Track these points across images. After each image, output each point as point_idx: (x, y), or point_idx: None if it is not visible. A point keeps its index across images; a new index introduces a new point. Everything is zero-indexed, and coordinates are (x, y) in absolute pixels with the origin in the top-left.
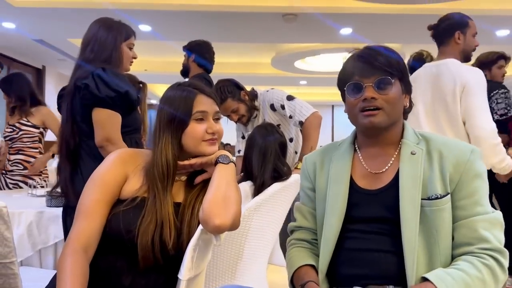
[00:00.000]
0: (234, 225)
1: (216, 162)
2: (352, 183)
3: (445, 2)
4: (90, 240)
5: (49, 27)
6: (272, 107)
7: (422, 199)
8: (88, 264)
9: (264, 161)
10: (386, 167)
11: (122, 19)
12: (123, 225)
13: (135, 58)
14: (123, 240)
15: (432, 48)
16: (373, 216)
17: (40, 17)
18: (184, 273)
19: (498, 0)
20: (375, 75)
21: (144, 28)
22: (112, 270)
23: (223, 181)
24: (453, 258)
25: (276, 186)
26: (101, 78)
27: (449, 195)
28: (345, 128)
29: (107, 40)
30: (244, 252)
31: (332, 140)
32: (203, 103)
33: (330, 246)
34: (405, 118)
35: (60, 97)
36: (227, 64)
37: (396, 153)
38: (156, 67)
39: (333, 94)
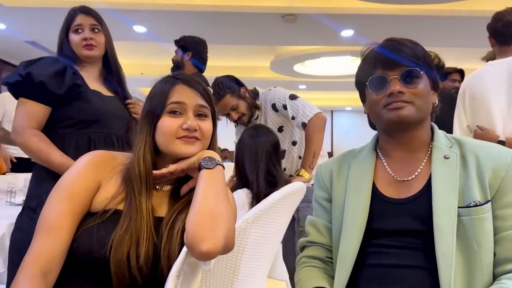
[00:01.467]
0: (226, 248)
1: (199, 168)
2: (375, 191)
3: (453, 2)
4: (52, 262)
5: (42, 28)
6: (274, 107)
7: (459, 207)
8: None
9: (256, 163)
10: (416, 173)
11: (115, 20)
12: (95, 240)
13: (86, 38)
14: (93, 257)
15: (437, 51)
16: (401, 228)
17: (32, 18)
18: None
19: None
20: (401, 67)
21: (139, 29)
22: None
23: (209, 192)
24: (495, 277)
25: (276, 195)
26: (20, 66)
27: (489, 203)
28: (344, 134)
29: (59, 37)
30: (240, 268)
31: (331, 147)
32: (181, 94)
33: (348, 264)
34: (432, 119)
35: None
36: (224, 67)
37: (427, 157)
38: (153, 70)
39: (333, 99)
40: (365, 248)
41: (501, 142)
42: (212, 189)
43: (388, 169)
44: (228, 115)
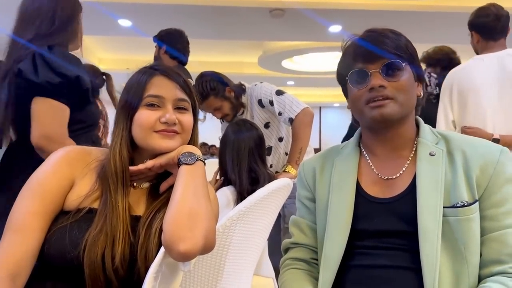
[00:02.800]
0: (206, 248)
1: (179, 164)
2: (359, 190)
3: None
4: (21, 264)
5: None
6: (260, 103)
7: (445, 207)
8: None
9: (238, 160)
10: (401, 171)
11: (100, 13)
12: (67, 241)
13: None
14: (66, 259)
15: (425, 47)
16: (386, 229)
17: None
18: None
19: None
20: (382, 60)
21: (124, 23)
22: None
23: (188, 190)
24: (481, 279)
25: (262, 191)
26: (43, 59)
27: (477, 203)
28: (332, 131)
29: (67, 9)
30: (225, 266)
31: (320, 144)
32: (159, 86)
33: (333, 265)
34: (417, 113)
35: None
36: (211, 63)
37: (412, 154)
38: (138, 65)
39: (321, 95)
40: (351, 249)
41: (496, 140)
42: (192, 186)
43: (372, 167)
44: (213, 113)
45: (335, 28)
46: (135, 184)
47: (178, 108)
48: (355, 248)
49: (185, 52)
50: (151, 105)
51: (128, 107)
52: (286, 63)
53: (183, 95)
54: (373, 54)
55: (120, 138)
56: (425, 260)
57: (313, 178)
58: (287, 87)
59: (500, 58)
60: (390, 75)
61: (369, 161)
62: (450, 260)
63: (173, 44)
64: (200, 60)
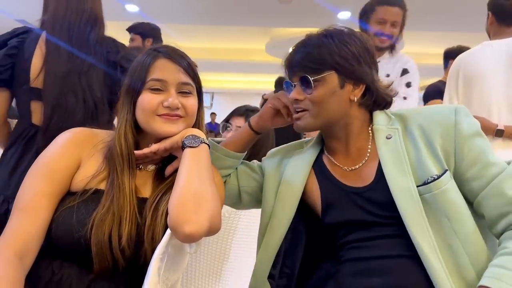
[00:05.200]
0: (211, 230)
1: (183, 147)
2: (332, 180)
3: None
4: (29, 244)
5: (32, 6)
6: (404, 72)
7: (418, 185)
8: (24, 277)
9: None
10: (363, 161)
11: None
12: (75, 220)
13: None
14: (73, 238)
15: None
16: (363, 219)
17: None
18: None
19: None
20: (298, 74)
21: (131, 8)
22: (57, 282)
23: (193, 173)
24: (496, 237)
25: None
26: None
27: (447, 172)
28: None
29: None
30: (231, 251)
31: None
32: (162, 70)
33: (272, 250)
34: (386, 107)
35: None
36: (218, 49)
37: (370, 143)
38: None
39: None
40: (343, 245)
41: (500, 131)
42: (196, 169)
43: (335, 162)
44: (382, 27)
45: (344, 15)
46: (141, 166)
47: (182, 92)
48: (346, 244)
49: (149, 36)
50: (154, 89)
51: (132, 91)
52: None
53: (187, 79)
54: (293, 67)
55: (125, 121)
56: (421, 243)
57: (272, 166)
58: None
59: (509, 45)
60: (304, 88)
61: (330, 158)
62: (438, 236)
63: (157, 38)
64: (207, 47)
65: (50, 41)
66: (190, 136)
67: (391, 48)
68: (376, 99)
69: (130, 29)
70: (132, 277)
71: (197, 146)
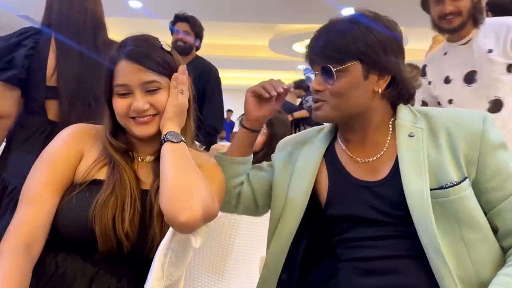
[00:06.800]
0: (207, 216)
1: (164, 140)
2: (342, 171)
3: None
4: (36, 233)
5: (35, 2)
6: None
7: (434, 189)
8: (32, 266)
9: None
10: (379, 155)
11: None
12: (78, 205)
13: None
14: (77, 223)
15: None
16: (369, 217)
17: None
18: (152, 284)
19: None
20: (319, 63)
21: (134, 4)
22: (61, 274)
23: (177, 163)
24: (505, 251)
25: None
26: None
27: (467, 180)
28: None
29: None
30: (234, 247)
31: None
32: (123, 74)
33: (286, 240)
34: (408, 102)
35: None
36: (221, 46)
37: (389, 137)
38: None
39: None
40: (341, 241)
41: None
42: (178, 160)
43: (349, 153)
44: (441, 7)
45: (348, 11)
46: (140, 158)
47: (149, 91)
48: (347, 241)
49: (201, 37)
50: (121, 94)
51: (105, 95)
52: (297, 47)
53: (150, 76)
54: (314, 56)
55: (108, 123)
56: (429, 246)
57: (283, 158)
58: (298, 71)
59: None
60: (325, 78)
61: (344, 148)
62: (446, 240)
63: (201, 37)
64: (210, 43)
65: (60, 41)
66: (172, 132)
67: (474, 20)
68: (401, 91)
69: (189, 24)
70: (136, 271)
71: (178, 142)
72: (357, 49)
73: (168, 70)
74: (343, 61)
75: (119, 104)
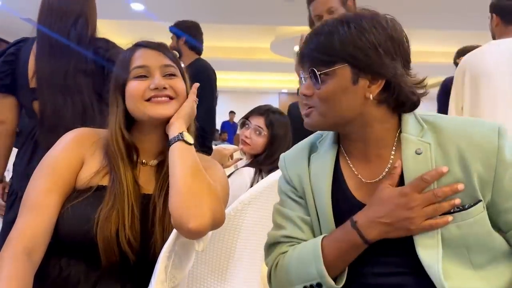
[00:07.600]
0: (215, 223)
1: (177, 139)
2: (347, 194)
3: None
4: (37, 240)
5: (38, 6)
6: None
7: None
8: (33, 273)
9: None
10: (383, 173)
11: None
12: (80, 217)
13: None
14: (79, 235)
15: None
16: (379, 242)
17: None
18: (155, 287)
19: None
20: (307, 66)
21: (137, 7)
22: (65, 278)
23: (189, 167)
24: None
25: (274, 176)
26: None
27: (480, 203)
28: None
29: None
30: (236, 250)
31: None
32: (143, 57)
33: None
34: (412, 110)
35: None
36: (222, 48)
37: (393, 152)
38: None
39: None
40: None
41: None
42: (190, 163)
43: (353, 169)
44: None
45: None
46: (144, 161)
47: (167, 75)
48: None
49: (202, 42)
50: (139, 77)
51: (118, 84)
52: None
53: (168, 61)
54: (302, 59)
55: (115, 117)
56: (431, 270)
57: (298, 177)
58: None
59: None
60: (314, 83)
61: (349, 161)
62: (453, 265)
63: (192, 35)
64: (211, 45)
65: (38, 41)
66: (186, 134)
67: None
68: (398, 97)
69: (170, 29)
70: (140, 275)
71: (190, 144)
72: (345, 51)
73: (178, 65)
74: (330, 64)
75: (136, 85)
